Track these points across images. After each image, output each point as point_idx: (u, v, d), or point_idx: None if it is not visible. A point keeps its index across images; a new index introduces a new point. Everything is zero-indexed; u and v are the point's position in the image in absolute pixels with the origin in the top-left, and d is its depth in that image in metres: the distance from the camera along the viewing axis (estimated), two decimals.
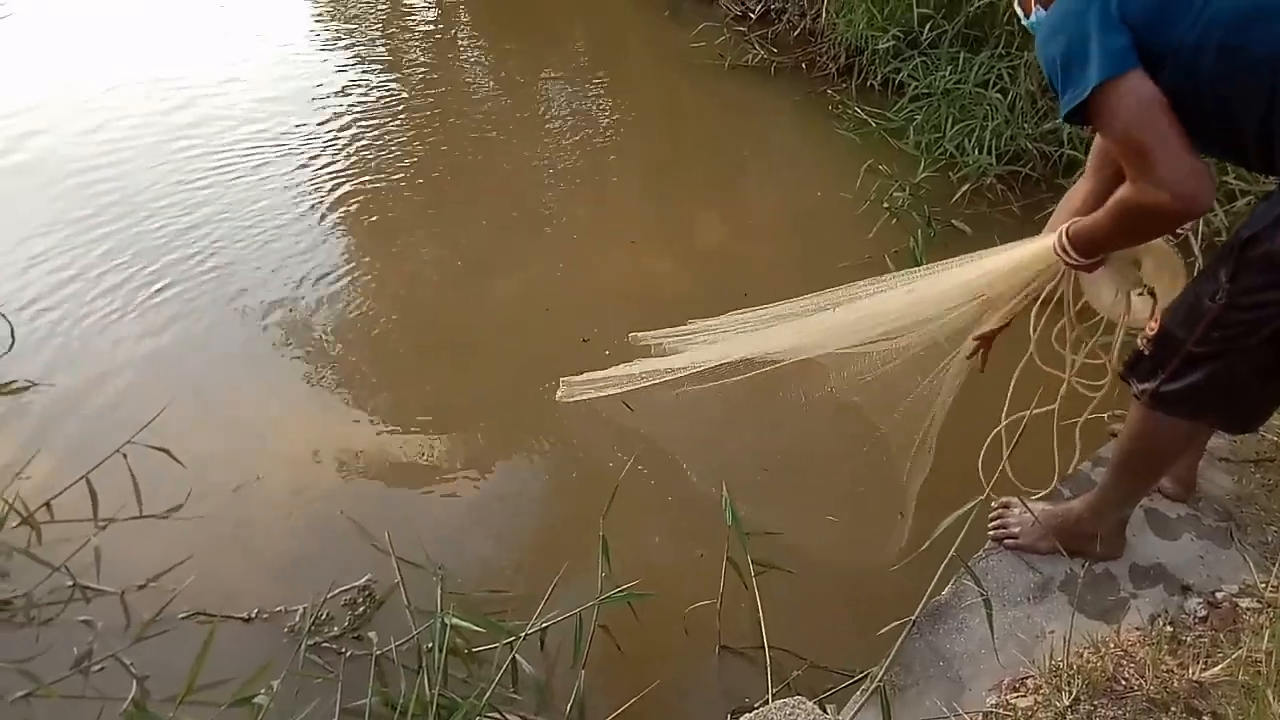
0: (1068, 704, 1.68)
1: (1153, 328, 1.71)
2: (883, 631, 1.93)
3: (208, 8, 6.38)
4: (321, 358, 3.26)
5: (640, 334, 2.33)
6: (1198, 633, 1.82)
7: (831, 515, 2.54)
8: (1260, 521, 2.09)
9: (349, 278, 3.67)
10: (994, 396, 2.10)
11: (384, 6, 6.62)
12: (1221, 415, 1.82)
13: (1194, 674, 1.69)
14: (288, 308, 3.48)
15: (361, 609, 2.31)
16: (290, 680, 2.01)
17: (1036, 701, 1.71)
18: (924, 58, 4.57)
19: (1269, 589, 1.87)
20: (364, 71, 5.50)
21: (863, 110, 4.64)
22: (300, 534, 2.57)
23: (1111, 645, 1.79)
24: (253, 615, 2.30)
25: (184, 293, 3.52)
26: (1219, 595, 1.90)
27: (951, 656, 1.87)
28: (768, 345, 2.16)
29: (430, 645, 2.01)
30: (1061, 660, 1.76)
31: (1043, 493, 2.15)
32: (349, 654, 2.20)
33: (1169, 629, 1.82)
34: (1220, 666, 1.68)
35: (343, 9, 6.51)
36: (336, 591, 2.34)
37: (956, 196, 4.01)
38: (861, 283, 2.07)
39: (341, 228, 4.02)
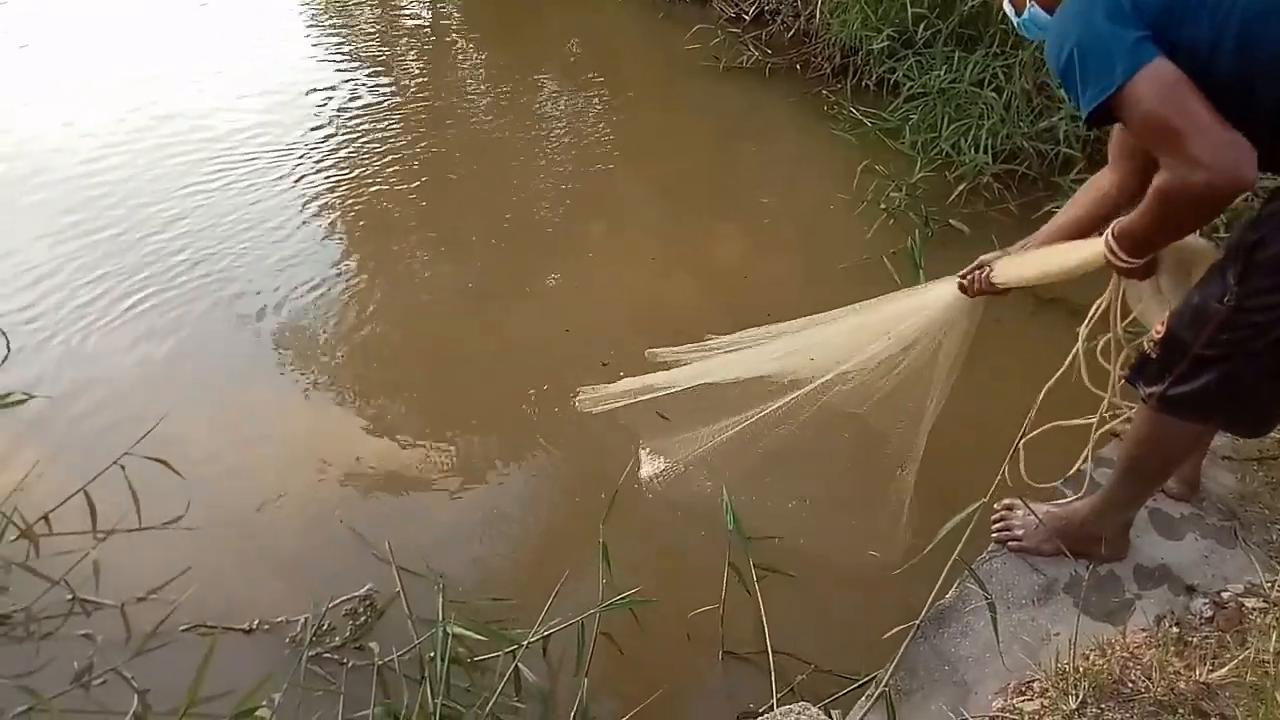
0: (1074, 707, 1.67)
1: (1159, 331, 1.71)
2: (887, 635, 1.92)
3: (189, 7, 6.37)
4: (320, 366, 3.25)
5: (658, 350, 2.36)
6: (1204, 633, 1.82)
7: (833, 519, 2.53)
8: (1265, 520, 2.08)
9: (348, 288, 3.65)
10: (1000, 399, 2.10)
11: (375, 8, 6.61)
12: (1230, 418, 1.80)
13: (1201, 675, 1.69)
14: (286, 316, 3.47)
15: (363, 619, 2.30)
16: (292, 692, 2.00)
17: (1043, 705, 1.71)
18: (919, 57, 4.58)
19: (1275, 588, 1.86)
20: (356, 74, 5.50)
21: (858, 111, 4.64)
22: (301, 544, 2.56)
23: (1117, 647, 1.78)
24: (254, 626, 2.28)
25: (179, 301, 3.50)
26: (1225, 595, 1.90)
27: (956, 660, 1.86)
28: (780, 363, 2.18)
29: (433, 654, 2.00)
30: (1067, 663, 1.75)
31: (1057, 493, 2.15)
32: (351, 664, 2.19)
33: (1175, 630, 1.82)
34: (1227, 668, 1.67)
35: (333, 8, 6.50)
36: (338, 601, 2.32)
37: (953, 196, 4.01)
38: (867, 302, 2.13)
39: (340, 236, 4.01)
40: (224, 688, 1.76)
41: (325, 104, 5.10)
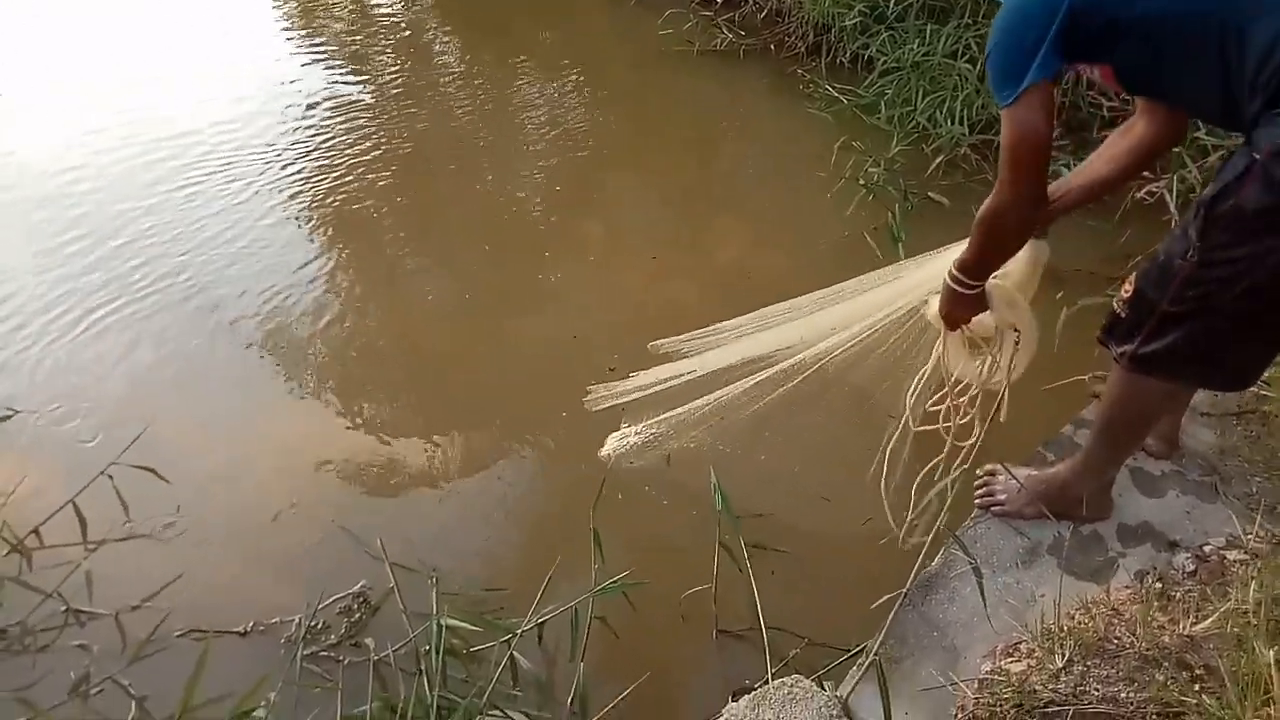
0: (1061, 666, 1.69)
1: (1128, 290, 1.72)
2: (876, 605, 1.94)
3: (156, 6, 6.35)
4: (305, 367, 3.25)
5: (659, 341, 2.37)
6: (1187, 587, 1.84)
7: (820, 492, 2.55)
8: (1244, 474, 2.10)
9: (331, 289, 3.64)
10: None
11: (350, 7, 6.58)
12: (1203, 374, 1.82)
13: (1184, 628, 1.71)
14: (269, 319, 3.46)
15: (358, 616, 2.31)
16: (289, 691, 2.02)
17: (1030, 665, 1.73)
18: (891, 32, 4.57)
19: (1254, 539, 1.88)
20: (331, 70, 5.47)
21: (833, 88, 4.63)
22: (293, 544, 2.56)
23: (1102, 605, 1.81)
24: (248, 629, 2.29)
25: (161, 307, 3.48)
26: (1206, 549, 1.92)
27: (945, 626, 1.88)
28: (773, 343, 2.20)
29: (428, 647, 2.01)
30: (1053, 623, 1.77)
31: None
32: (347, 661, 2.20)
33: (1158, 585, 1.84)
34: (1210, 620, 1.69)
35: (304, 3, 6.48)
36: (331, 600, 2.34)
37: (931, 168, 4.01)
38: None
39: (322, 238, 3.99)
40: (221, 690, 1.79)
41: (300, 101, 5.06)
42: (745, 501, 2.25)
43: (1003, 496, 2.07)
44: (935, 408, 2.12)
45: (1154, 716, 1.58)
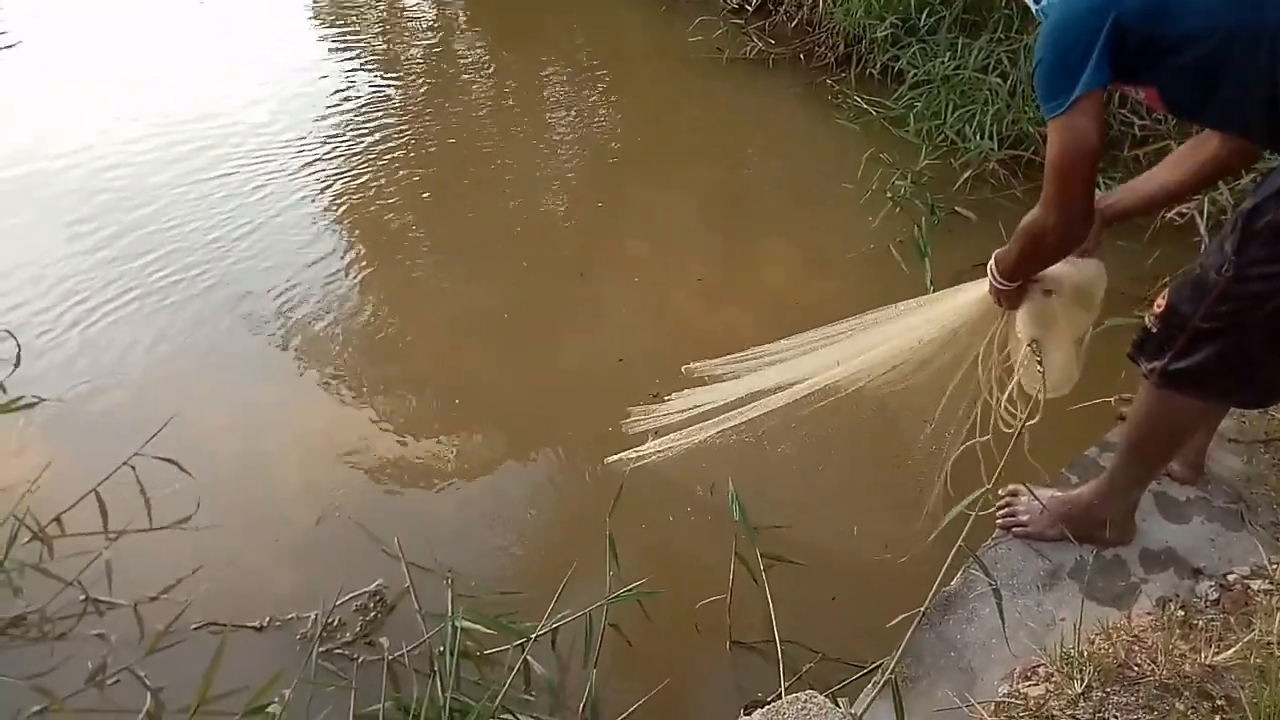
0: (1080, 691, 1.67)
1: (1160, 305, 1.71)
2: (893, 623, 1.92)
3: (188, 6, 6.41)
4: (328, 365, 3.27)
5: (694, 364, 2.35)
6: (1209, 616, 1.81)
7: (839, 507, 2.53)
8: (1271, 502, 2.07)
9: (358, 287, 3.68)
10: None
11: (380, 7, 6.62)
12: (1233, 391, 1.81)
13: (1206, 658, 1.68)
14: (295, 315, 3.49)
15: (373, 614, 2.32)
16: (303, 688, 2.02)
17: (1048, 690, 1.71)
18: (922, 44, 4.56)
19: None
20: (361, 71, 5.53)
21: (862, 99, 4.62)
22: (311, 541, 2.58)
23: (1122, 631, 1.78)
24: (265, 624, 2.31)
25: (188, 302, 3.53)
26: (1230, 578, 1.89)
27: (962, 646, 1.87)
28: (806, 369, 2.18)
29: (442, 648, 2.02)
30: (1072, 647, 1.75)
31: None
32: (361, 659, 2.21)
33: (1180, 613, 1.81)
34: (1233, 650, 1.67)
35: (336, 4, 6.52)
36: (347, 597, 2.35)
37: (959, 183, 4.00)
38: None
39: (350, 237, 4.03)
40: (236, 684, 1.79)
41: (331, 102, 5.12)
42: (763, 514, 2.24)
43: (1025, 517, 2.05)
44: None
45: None
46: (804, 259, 3.87)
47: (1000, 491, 2.10)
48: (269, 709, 1.79)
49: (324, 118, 4.95)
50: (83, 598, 2.19)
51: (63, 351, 3.26)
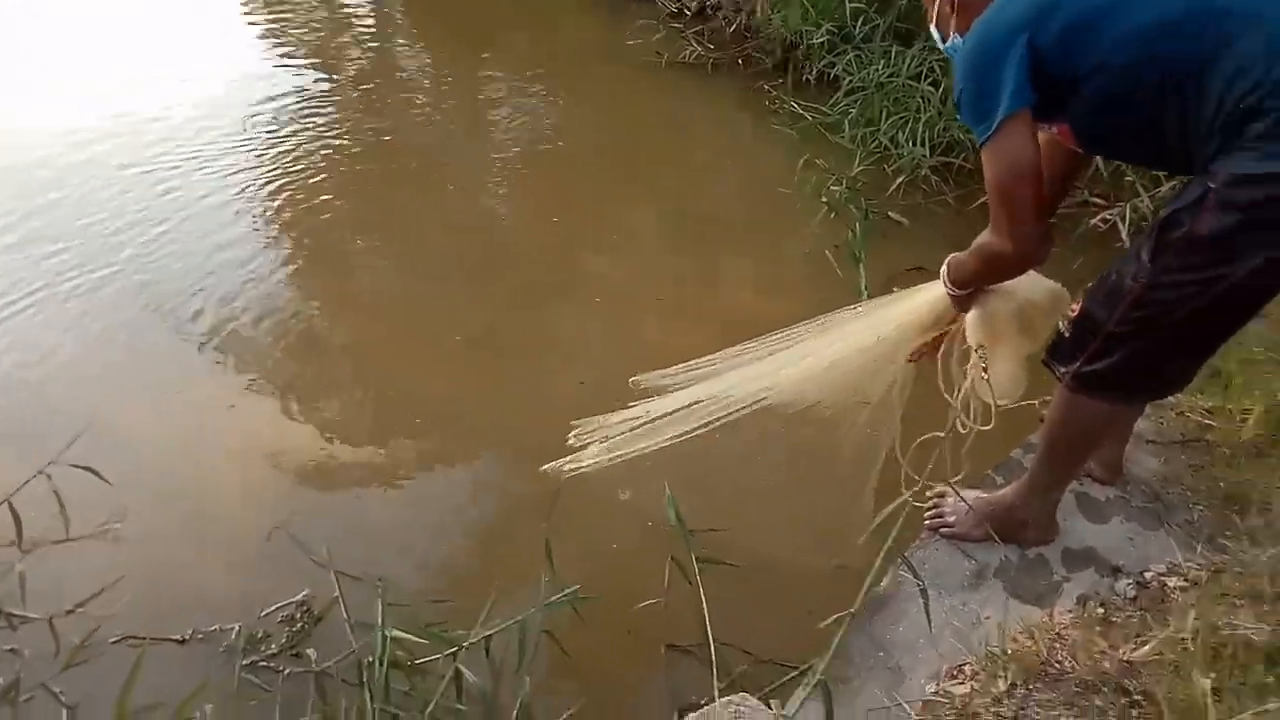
0: (1004, 689, 1.70)
1: (1074, 310, 1.75)
2: (824, 624, 1.93)
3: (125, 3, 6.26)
4: (255, 369, 3.19)
5: (639, 377, 2.32)
6: (1128, 613, 1.86)
7: (774, 510, 2.55)
8: (1186, 502, 2.14)
9: (287, 290, 3.60)
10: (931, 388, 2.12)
11: (316, 4, 6.52)
12: (1142, 391, 1.89)
13: (1124, 654, 1.72)
14: (222, 317, 3.40)
15: (300, 625, 2.27)
16: (226, 702, 1.97)
17: (973, 688, 1.74)
18: (858, 52, 4.63)
19: (1194, 568, 1.91)
20: (296, 68, 5.44)
21: (799, 105, 4.67)
22: (236, 551, 2.52)
23: (1045, 630, 1.82)
24: (187, 637, 2.24)
25: (108, 303, 3.42)
26: (1148, 575, 1.95)
27: (891, 646, 1.89)
28: (748, 379, 2.20)
29: (371, 659, 1.98)
30: (997, 646, 1.78)
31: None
32: (288, 672, 2.15)
33: (1100, 611, 1.86)
34: (1149, 646, 1.71)
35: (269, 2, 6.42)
36: (274, 608, 2.30)
37: (892, 189, 4.06)
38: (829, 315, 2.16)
39: (280, 238, 3.94)
40: (157, 699, 1.74)
41: (265, 100, 5.01)
42: (699, 517, 2.24)
43: (951, 518, 2.09)
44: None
45: None
46: (743, 265, 3.88)
47: (927, 494, 2.13)
48: None
49: (255, 117, 4.84)
50: None
51: None
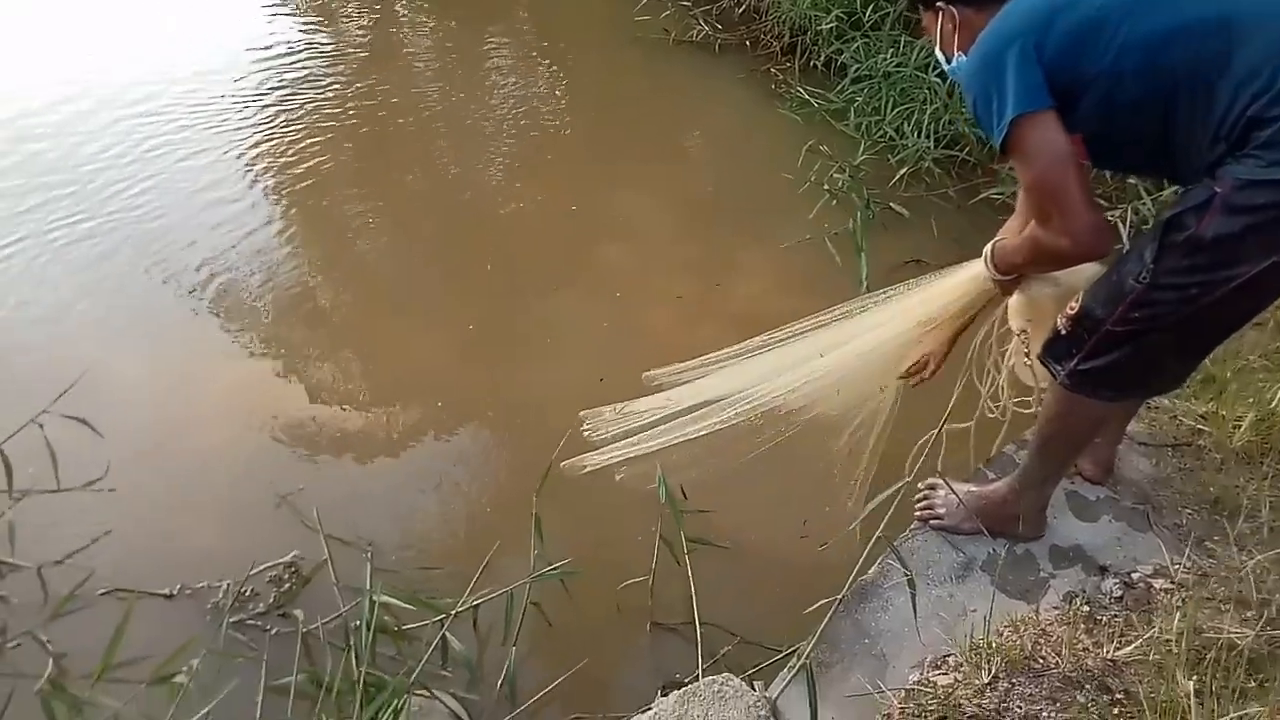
0: (987, 681, 1.72)
1: (1073, 308, 1.75)
2: (811, 609, 1.95)
3: None
4: (252, 329, 3.19)
5: (652, 372, 2.32)
6: (1113, 612, 1.88)
7: (765, 494, 2.55)
8: (1176, 504, 2.15)
9: (287, 251, 3.59)
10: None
11: None
12: (1136, 390, 1.92)
13: (1108, 652, 1.74)
14: (221, 276, 3.40)
15: (287, 586, 2.28)
16: (212, 658, 1.97)
17: (957, 679, 1.75)
18: (866, 39, 4.60)
19: (1181, 570, 1.93)
20: (299, 35, 5.36)
21: (805, 90, 4.64)
22: (226, 509, 2.52)
23: (1030, 624, 1.84)
24: (174, 592, 2.25)
25: (109, 259, 3.42)
26: (1134, 576, 1.96)
27: (876, 634, 1.91)
28: (754, 375, 2.19)
29: (358, 623, 1.99)
30: (982, 639, 1.79)
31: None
32: (275, 631, 2.17)
33: (1085, 608, 1.87)
34: (1133, 645, 1.73)
35: None
36: (261, 568, 2.30)
37: (895, 179, 4.04)
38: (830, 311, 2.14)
39: (281, 201, 3.93)
40: (143, 653, 1.74)
41: (270, 68, 4.96)
42: (690, 497, 2.25)
43: (942, 510, 2.10)
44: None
45: None
46: (744, 251, 3.87)
47: (920, 485, 2.15)
48: (176, 678, 1.75)
49: (256, 82, 4.79)
50: None
51: None
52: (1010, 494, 2.03)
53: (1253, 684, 1.60)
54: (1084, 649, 1.76)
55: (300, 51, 5.10)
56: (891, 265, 3.51)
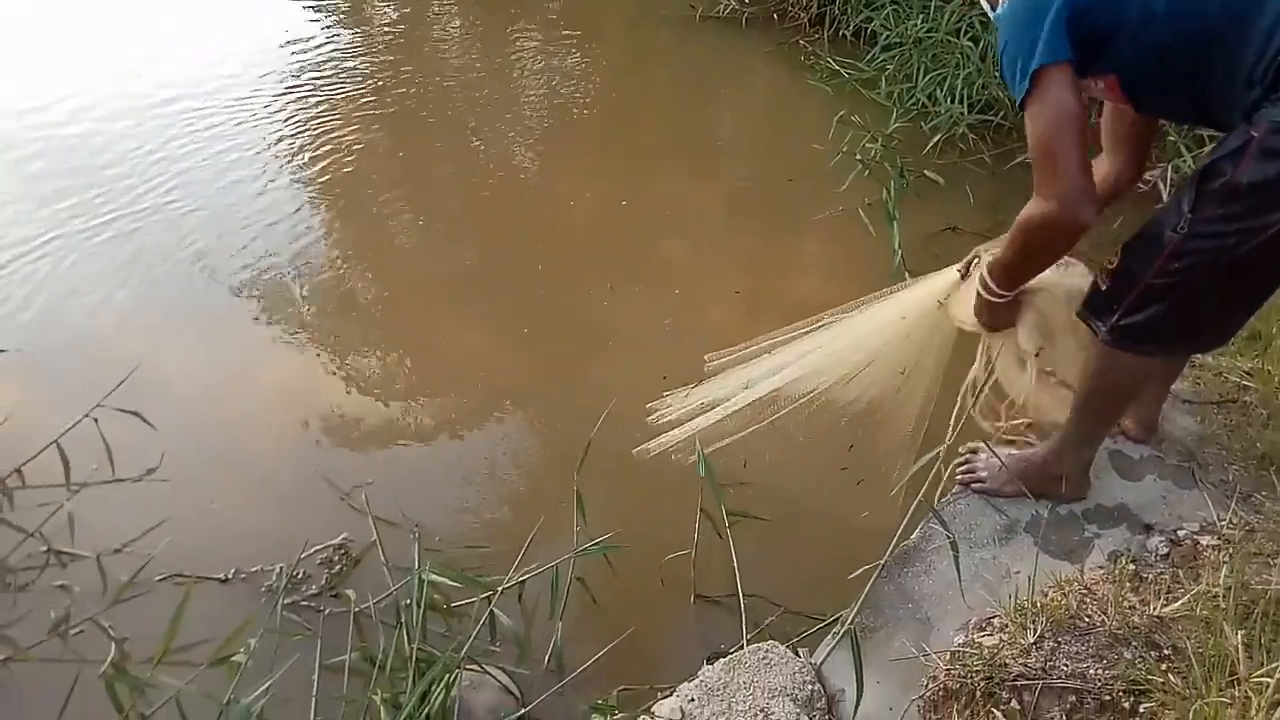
0: (1032, 641, 1.71)
1: (1111, 262, 1.73)
2: (853, 575, 1.95)
3: None
4: (297, 318, 3.25)
5: (712, 355, 2.30)
6: (1159, 570, 1.86)
7: (804, 464, 2.55)
8: (1222, 461, 2.12)
9: (328, 244, 3.65)
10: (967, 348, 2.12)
11: None
12: (1181, 344, 1.88)
13: (1155, 609, 1.73)
14: (264, 269, 3.46)
15: (339, 567, 2.33)
16: (269, 639, 2.03)
17: (1002, 640, 1.75)
18: (895, 6, 4.56)
19: (1228, 526, 1.91)
20: (331, 26, 5.41)
21: (834, 61, 4.61)
22: (276, 494, 2.58)
23: (1075, 584, 1.82)
24: (230, 576, 2.31)
25: (154, 255, 3.49)
26: (1180, 533, 1.94)
27: (920, 598, 1.91)
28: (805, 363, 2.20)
29: (408, 601, 2.03)
30: (1026, 599, 1.79)
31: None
32: (328, 611, 2.22)
33: (1131, 567, 1.86)
34: (1180, 602, 1.71)
35: None
36: (313, 550, 2.35)
37: (929, 147, 4.01)
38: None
39: (319, 194, 3.98)
40: (201, 636, 1.79)
41: (301, 58, 5.03)
42: (729, 470, 2.26)
43: (984, 474, 2.09)
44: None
45: (1121, 694, 1.61)
46: (779, 225, 3.86)
47: (960, 450, 2.14)
48: (234, 659, 1.80)
49: (291, 74, 4.85)
50: (45, 549, 2.17)
51: (22, 303, 3.21)
52: (1052, 455, 2.01)
53: None
54: (1130, 607, 1.75)
55: (328, 44, 5.17)
56: (928, 234, 3.49)
